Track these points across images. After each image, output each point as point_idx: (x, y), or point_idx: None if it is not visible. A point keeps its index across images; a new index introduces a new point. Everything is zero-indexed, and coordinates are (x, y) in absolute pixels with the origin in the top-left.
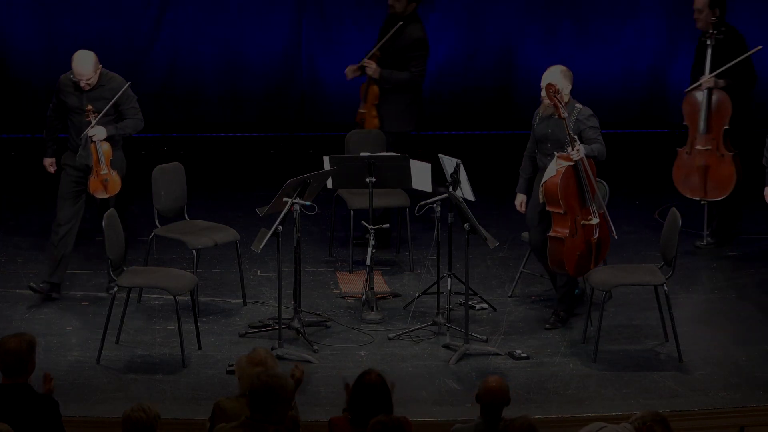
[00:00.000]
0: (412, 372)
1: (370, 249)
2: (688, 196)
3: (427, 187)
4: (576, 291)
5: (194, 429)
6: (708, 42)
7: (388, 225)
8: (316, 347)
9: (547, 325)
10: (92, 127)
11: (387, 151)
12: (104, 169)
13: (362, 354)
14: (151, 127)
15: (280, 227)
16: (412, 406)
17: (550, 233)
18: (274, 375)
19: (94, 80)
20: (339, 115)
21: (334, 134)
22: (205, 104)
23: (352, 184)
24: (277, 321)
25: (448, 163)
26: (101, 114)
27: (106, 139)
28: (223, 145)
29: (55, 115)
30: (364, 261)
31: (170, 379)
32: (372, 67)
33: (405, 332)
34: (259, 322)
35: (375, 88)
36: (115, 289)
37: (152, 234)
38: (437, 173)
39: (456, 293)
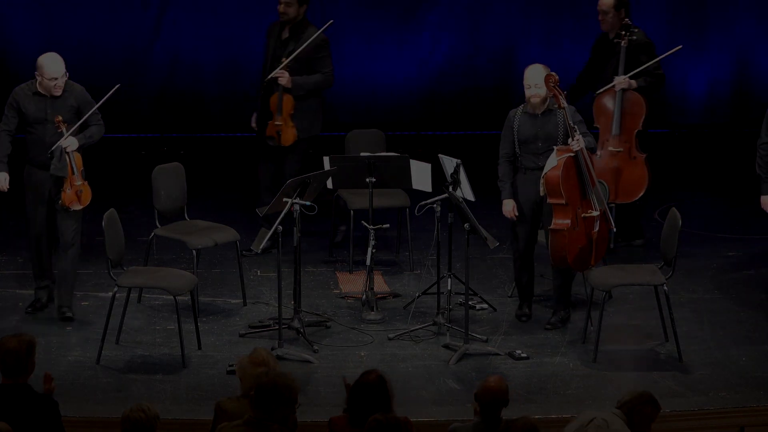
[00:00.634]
0: (412, 372)
1: (370, 249)
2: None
3: (428, 187)
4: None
5: (194, 429)
6: (622, 43)
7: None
8: (316, 347)
9: (547, 326)
10: (65, 138)
11: (298, 159)
12: (78, 180)
13: (362, 354)
14: (151, 127)
15: (280, 227)
16: (412, 406)
17: (552, 227)
18: (281, 374)
19: (62, 83)
20: (339, 115)
21: (334, 134)
22: (205, 104)
23: (352, 184)
24: (277, 321)
25: (448, 163)
26: (78, 124)
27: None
28: (223, 145)
29: (8, 131)
30: (364, 261)
31: (170, 379)
32: (285, 78)
33: (405, 332)
34: (259, 322)
35: (290, 98)
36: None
37: (152, 234)
38: (437, 173)
39: (456, 293)
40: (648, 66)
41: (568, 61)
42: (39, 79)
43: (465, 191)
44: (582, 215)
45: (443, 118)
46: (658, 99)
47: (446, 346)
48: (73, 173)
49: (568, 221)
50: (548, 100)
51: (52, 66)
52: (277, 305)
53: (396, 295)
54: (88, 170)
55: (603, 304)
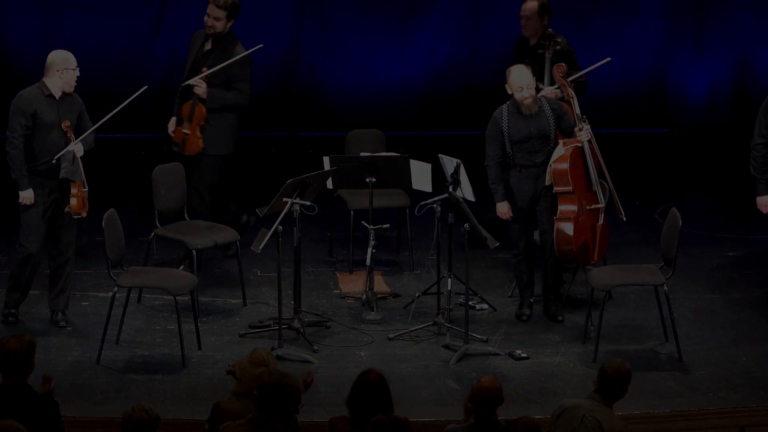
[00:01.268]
0: (412, 372)
1: (370, 249)
2: None
3: (428, 187)
4: (532, 300)
5: (194, 429)
6: (546, 54)
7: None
8: (316, 347)
9: (559, 317)
10: (75, 143)
11: (206, 174)
12: (85, 187)
13: (362, 354)
14: (151, 127)
15: (280, 227)
16: (412, 406)
17: (557, 216)
18: (284, 374)
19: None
20: (339, 115)
21: (334, 134)
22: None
23: (352, 184)
24: (277, 321)
25: (449, 163)
26: (91, 130)
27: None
28: None
29: (22, 140)
30: (364, 261)
31: (170, 379)
32: (203, 88)
33: (405, 332)
34: (259, 322)
35: (203, 109)
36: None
37: (152, 234)
38: (437, 173)
39: (456, 293)
40: (577, 77)
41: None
42: (60, 74)
43: (465, 191)
44: (587, 207)
45: (443, 118)
46: (658, 99)
47: (446, 346)
48: (81, 179)
49: (575, 208)
50: (535, 100)
51: (68, 55)
52: (277, 305)
53: (396, 295)
54: (87, 170)
55: (603, 304)
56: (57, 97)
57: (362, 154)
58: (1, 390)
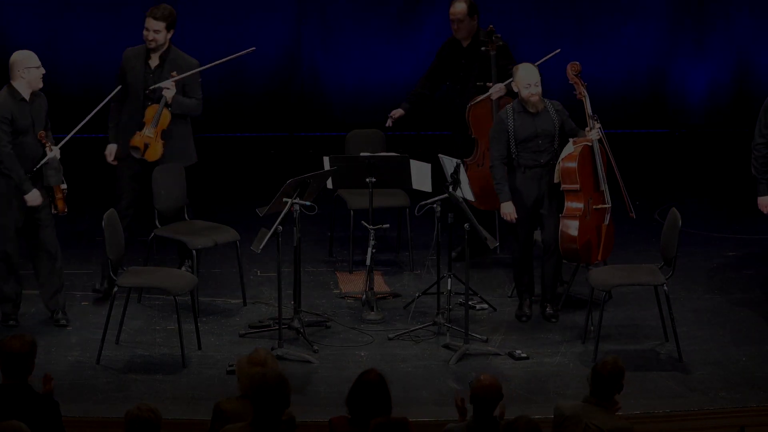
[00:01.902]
0: (412, 372)
1: (370, 249)
2: (482, 208)
3: (428, 187)
4: (531, 298)
5: (194, 429)
6: (490, 51)
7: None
8: (316, 347)
9: (553, 319)
10: (56, 149)
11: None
12: (64, 184)
13: (362, 354)
14: None
15: (280, 227)
16: (412, 406)
17: (564, 213)
18: (271, 370)
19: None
20: (339, 115)
21: (334, 134)
22: (205, 104)
23: (352, 184)
24: (277, 321)
25: (448, 163)
26: (68, 137)
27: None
28: (223, 145)
29: (10, 146)
30: (364, 261)
31: (170, 379)
32: (173, 92)
33: (405, 332)
34: (259, 322)
35: (168, 114)
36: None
37: (152, 234)
38: (437, 173)
39: (456, 293)
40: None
41: (568, 62)
42: (22, 74)
43: (465, 191)
44: (593, 206)
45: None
46: (658, 99)
47: (446, 346)
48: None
49: (581, 206)
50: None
51: (32, 55)
52: (277, 305)
53: (396, 295)
54: (87, 170)
55: (603, 304)
56: (28, 99)
57: (362, 154)
58: (2, 390)
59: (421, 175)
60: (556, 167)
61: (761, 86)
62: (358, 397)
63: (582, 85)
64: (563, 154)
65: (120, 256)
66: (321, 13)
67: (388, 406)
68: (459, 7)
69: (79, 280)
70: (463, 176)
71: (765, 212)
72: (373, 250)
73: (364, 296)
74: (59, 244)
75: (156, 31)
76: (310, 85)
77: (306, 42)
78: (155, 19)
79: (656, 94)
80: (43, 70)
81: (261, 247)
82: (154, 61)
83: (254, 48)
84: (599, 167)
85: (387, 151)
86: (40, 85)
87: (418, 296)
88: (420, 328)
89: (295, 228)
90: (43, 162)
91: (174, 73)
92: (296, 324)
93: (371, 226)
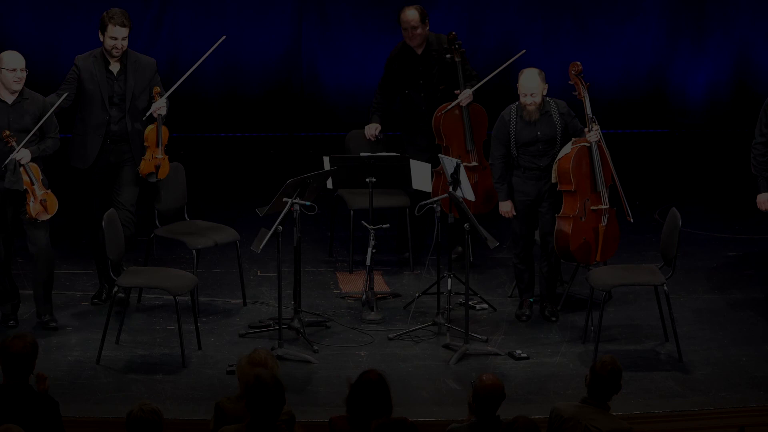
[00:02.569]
0: (412, 372)
1: (370, 249)
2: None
3: (428, 187)
4: (531, 300)
5: (194, 429)
6: (456, 58)
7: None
8: (316, 347)
9: (553, 318)
10: (17, 151)
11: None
12: (40, 190)
13: (362, 354)
14: None
15: (280, 227)
16: (412, 406)
17: (559, 214)
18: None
19: (21, 76)
20: (339, 115)
21: (334, 134)
22: (205, 104)
23: (352, 184)
24: (277, 321)
25: (448, 163)
26: (32, 133)
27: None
28: (223, 145)
29: None
30: (364, 261)
31: (170, 379)
32: (165, 108)
33: (405, 332)
34: (259, 322)
35: (166, 130)
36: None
37: (152, 234)
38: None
39: (456, 293)
40: (494, 74)
41: (568, 61)
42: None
43: (465, 191)
44: (591, 207)
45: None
46: (658, 99)
47: (446, 346)
48: (32, 184)
49: (576, 207)
50: (544, 104)
51: (11, 57)
52: (277, 305)
53: (396, 295)
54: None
55: (603, 304)
56: (9, 102)
57: (362, 154)
58: (3, 390)
59: (421, 175)
60: (553, 167)
61: (761, 86)
62: (358, 397)
63: (583, 85)
64: (560, 155)
65: (120, 256)
66: (321, 13)
67: (388, 407)
68: (411, 15)
69: (79, 280)
70: (463, 176)
71: (763, 209)
72: (373, 250)
73: (364, 296)
74: (49, 246)
75: (124, 38)
76: (310, 85)
77: (306, 42)
78: (122, 26)
79: (656, 94)
80: (19, 74)
81: (261, 247)
82: (114, 67)
83: (225, 36)
84: (597, 169)
85: (387, 151)
86: (13, 88)
87: (418, 296)
88: (420, 328)
89: (295, 228)
90: (4, 163)
91: (157, 89)
92: (296, 324)
93: (371, 226)
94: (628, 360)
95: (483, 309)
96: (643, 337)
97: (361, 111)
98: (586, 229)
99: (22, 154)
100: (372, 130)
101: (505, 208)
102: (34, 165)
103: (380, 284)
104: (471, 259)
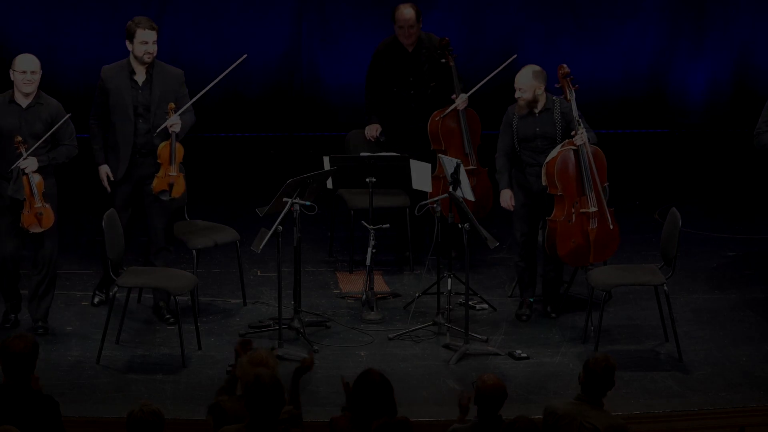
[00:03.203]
0: (412, 372)
1: (370, 249)
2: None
3: (428, 187)
4: (532, 299)
5: (194, 429)
6: (450, 63)
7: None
8: (316, 347)
9: (553, 315)
10: (24, 159)
11: (168, 208)
12: (38, 203)
13: (362, 354)
14: None
15: (280, 227)
16: (412, 406)
17: (550, 217)
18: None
19: (32, 78)
20: (339, 115)
21: (334, 134)
22: (205, 104)
23: (352, 184)
24: (277, 321)
25: (448, 163)
26: (41, 141)
27: (38, 170)
28: (223, 145)
29: None
30: (364, 261)
31: (170, 379)
32: (179, 124)
33: (405, 332)
34: (259, 322)
35: (181, 147)
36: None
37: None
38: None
39: (456, 293)
40: (487, 80)
41: (568, 62)
42: (12, 77)
43: (465, 191)
44: (580, 209)
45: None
46: (658, 99)
47: (446, 346)
48: (32, 195)
49: (564, 210)
50: (546, 100)
51: (22, 59)
52: (277, 305)
53: (396, 295)
54: (86, 171)
55: (603, 304)
56: (24, 105)
57: (362, 154)
58: (3, 390)
59: (421, 175)
60: (542, 170)
61: (761, 86)
62: (359, 398)
63: (570, 88)
64: (548, 158)
65: (120, 256)
66: (321, 13)
67: (392, 406)
68: (409, 14)
69: (79, 280)
70: (464, 176)
71: None
72: (373, 250)
73: (364, 296)
74: (53, 257)
75: (154, 42)
76: (310, 85)
77: (306, 41)
78: (151, 29)
79: (656, 94)
80: (29, 77)
81: (261, 247)
82: (140, 77)
83: (246, 55)
84: (585, 171)
85: (385, 151)
86: (25, 90)
87: (418, 296)
88: (420, 328)
89: (295, 228)
90: (12, 168)
91: (171, 105)
92: (296, 324)
93: (371, 226)
94: (628, 360)
95: (483, 309)
96: (643, 337)
97: (361, 111)
98: (575, 233)
99: (28, 163)
100: (373, 131)
101: (504, 197)
102: (37, 175)
103: (380, 284)
104: (454, 254)
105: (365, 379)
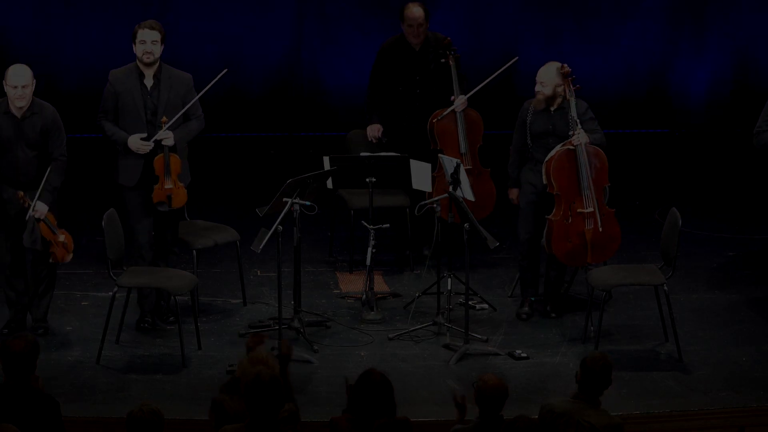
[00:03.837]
0: (412, 372)
1: (370, 249)
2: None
3: (428, 187)
4: (533, 298)
5: (194, 429)
6: (450, 62)
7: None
8: (316, 347)
9: (553, 314)
10: (33, 208)
11: (175, 217)
12: (61, 237)
13: (362, 354)
14: None
15: (280, 227)
16: (412, 406)
17: (549, 216)
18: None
19: (23, 93)
20: (339, 115)
21: (334, 134)
22: (206, 104)
23: (352, 184)
24: (277, 321)
25: (448, 163)
26: (40, 190)
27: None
28: (223, 144)
29: None
30: (364, 261)
31: (170, 379)
32: (171, 138)
33: (405, 332)
34: (259, 322)
35: (177, 159)
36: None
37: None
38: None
39: (456, 293)
40: (487, 82)
41: (568, 62)
42: (5, 89)
43: (465, 191)
44: (577, 210)
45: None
46: (659, 99)
47: (446, 346)
48: (53, 234)
49: (561, 210)
50: (558, 99)
51: (14, 73)
52: (277, 305)
53: (396, 295)
54: (86, 171)
55: (603, 304)
56: (18, 116)
57: (362, 154)
58: (4, 389)
59: (421, 175)
60: (542, 170)
61: (761, 86)
62: (360, 398)
63: (571, 88)
64: (547, 157)
65: (120, 256)
66: (321, 13)
67: (392, 407)
68: (418, 13)
69: (78, 280)
70: (464, 176)
71: None
72: (373, 250)
73: (364, 296)
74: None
75: (153, 42)
76: (310, 85)
77: (306, 42)
78: (151, 29)
79: (656, 94)
80: (20, 92)
81: (261, 247)
82: (149, 81)
83: (226, 70)
84: (583, 171)
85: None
86: (16, 105)
87: (418, 296)
88: (420, 328)
89: (295, 228)
90: (27, 218)
91: (164, 119)
92: (296, 324)
93: (371, 226)
94: (628, 360)
95: (483, 309)
96: (643, 337)
97: (362, 111)
98: (572, 233)
99: (39, 209)
100: (374, 131)
101: (512, 194)
102: (49, 214)
103: (380, 284)
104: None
105: (366, 379)
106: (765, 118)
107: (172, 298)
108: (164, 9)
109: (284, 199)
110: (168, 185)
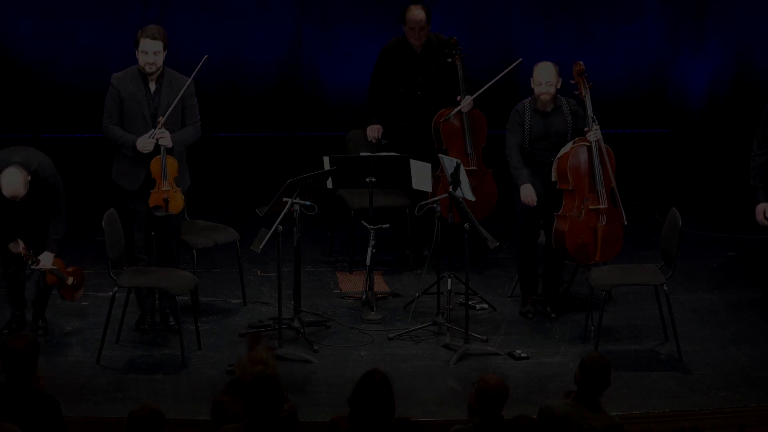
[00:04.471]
0: (412, 372)
1: (370, 249)
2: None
3: (428, 187)
4: (535, 297)
5: (194, 429)
6: (456, 62)
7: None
8: (316, 347)
9: (553, 315)
10: (38, 264)
11: (174, 219)
12: (69, 277)
13: (362, 354)
14: None
15: (280, 227)
16: (412, 406)
17: (558, 212)
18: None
19: (23, 192)
20: (339, 115)
21: (334, 134)
22: (205, 104)
23: (352, 184)
24: (277, 321)
25: (448, 163)
26: (48, 245)
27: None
28: (223, 144)
29: None
30: (364, 261)
31: (170, 379)
32: (168, 138)
33: (405, 332)
34: (259, 322)
35: (174, 161)
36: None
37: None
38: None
39: (456, 293)
40: (492, 83)
41: (568, 62)
42: None
43: (465, 191)
44: (590, 206)
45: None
46: (659, 99)
47: (446, 346)
48: (62, 280)
49: (574, 206)
50: (556, 99)
51: (7, 188)
52: (277, 305)
53: (396, 295)
54: (86, 170)
55: (603, 304)
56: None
57: (362, 154)
58: (5, 389)
59: (421, 175)
60: (553, 166)
61: (762, 86)
62: (361, 397)
63: (586, 85)
64: (559, 153)
65: (120, 256)
66: (321, 13)
67: (391, 407)
68: (420, 15)
69: None
70: (464, 176)
71: (758, 220)
72: (373, 250)
73: (364, 296)
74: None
75: (156, 53)
76: (310, 85)
77: (306, 42)
78: (154, 39)
79: (656, 94)
80: (11, 195)
81: (261, 247)
82: (152, 86)
83: (207, 56)
84: (597, 168)
85: (385, 151)
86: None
87: (418, 296)
88: (420, 328)
89: (295, 228)
90: (30, 273)
91: (160, 118)
92: (296, 324)
93: (371, 226)
94: (628, 360)
95: (483, 309)
96: (643, 337)
97: (362, 111)
98: (584, 229)
99: (45, 261)
100: (374, 132)
101: (526, 191)
102: (57, 260)
103: (380, 284)
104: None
105: (367, 379)
106: (760, 142)
107: (175, 300)
108: (164, 9)
109: (284, 199)
110: (165, 187)
